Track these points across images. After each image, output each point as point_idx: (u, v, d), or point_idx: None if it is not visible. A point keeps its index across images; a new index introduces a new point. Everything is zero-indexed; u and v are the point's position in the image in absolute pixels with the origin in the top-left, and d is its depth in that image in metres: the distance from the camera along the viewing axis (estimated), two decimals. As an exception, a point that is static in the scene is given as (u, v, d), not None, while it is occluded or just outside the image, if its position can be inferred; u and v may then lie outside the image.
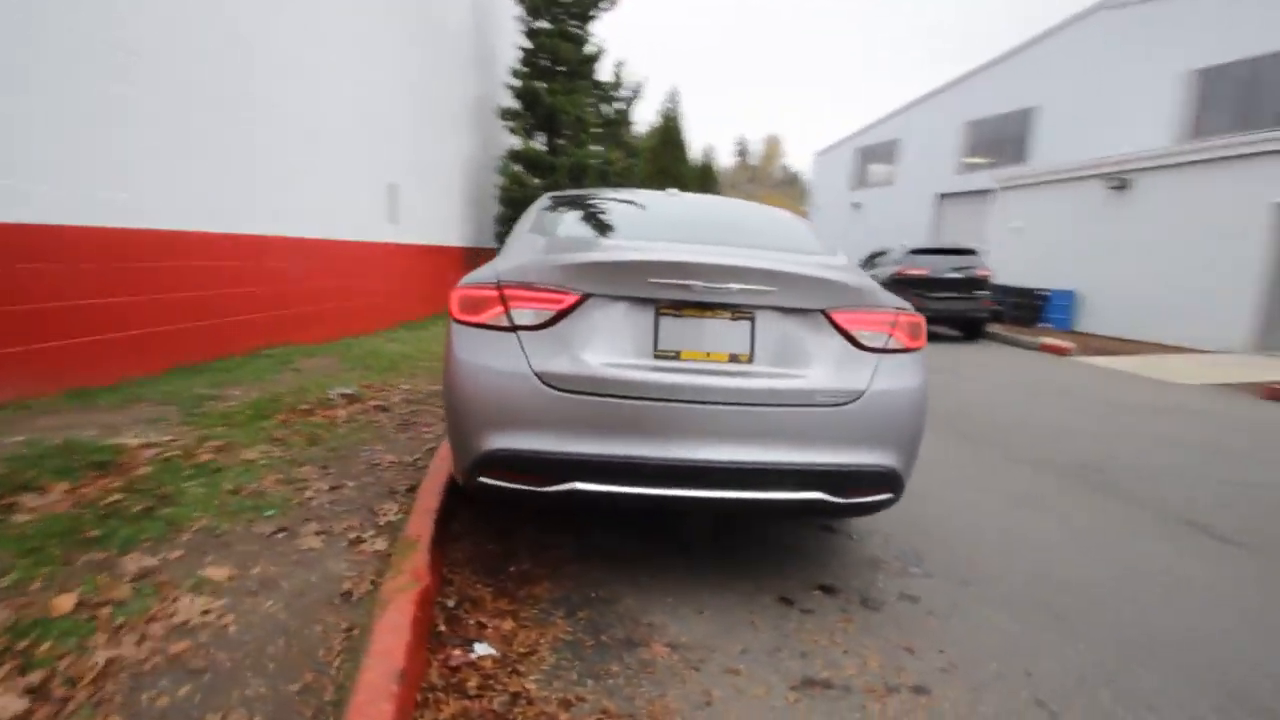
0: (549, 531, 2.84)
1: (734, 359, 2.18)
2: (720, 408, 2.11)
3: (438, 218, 9.31)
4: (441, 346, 6.99)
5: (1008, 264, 14.88)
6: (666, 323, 2.17)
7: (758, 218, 3.20)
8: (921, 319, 2.43)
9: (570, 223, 2.88)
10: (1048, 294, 13.98)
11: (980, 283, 11.29)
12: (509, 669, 1.88)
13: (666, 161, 27.52)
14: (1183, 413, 6.38)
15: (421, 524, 2.48)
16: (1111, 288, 13.09)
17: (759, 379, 2.16)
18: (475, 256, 10.70)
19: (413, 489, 3.02)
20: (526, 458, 2.11)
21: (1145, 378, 8.45)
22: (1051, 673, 2.04)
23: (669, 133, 28.54)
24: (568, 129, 10.24)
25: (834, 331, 2.23)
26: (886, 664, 2.04)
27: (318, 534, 2.51)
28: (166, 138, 4.80)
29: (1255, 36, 13.32)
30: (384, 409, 4.48)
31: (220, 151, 5.28)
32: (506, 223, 10.36)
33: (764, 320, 2.21)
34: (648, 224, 3.01)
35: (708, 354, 2.18)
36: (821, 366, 2.20)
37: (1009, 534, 3.18)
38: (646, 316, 2.17)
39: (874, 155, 25.31)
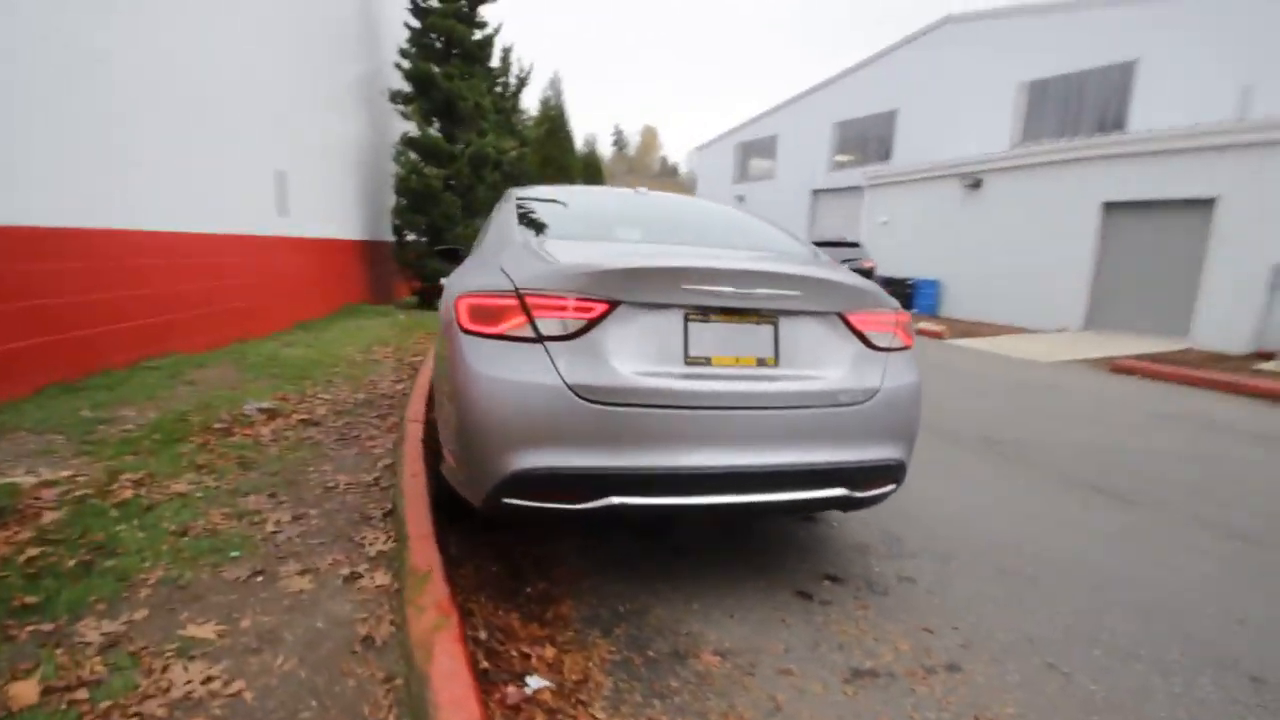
0: (544, 544, 2.73)
1: (761, 363, 2.20)
2: (753, 412, 2.13)
3: (329, 208, 8.54)
4: (352, 349, 6.50)
5: (878, 256, 16.19)
6: (695, 329, 2.14)
7: (739, 220, 3.24)
8: (909, 317, 2.59)
9: (563, 224, 2.75)
10: (915, 283, 15.39)
11: (866, 274, 12.20)
12: (571, 700, 1.79)
13: (553, 151, 27.12)
14: (1056, 389, 7.30)
15: (425, 552, 2.28)
16: (969, 276, 14.66)
17: (786, 382, 2.19)
18: (373, 251, 9.96)
19: (389, 513, 2.77)
20: (562, 475, 2.00)
21: (1010, 357, 9.56)
22: (1049, 636, 2.27)
23: (553, 122, 28.10)
24: (466, 116, 9.75)
25: (849, 333, 2.32)
26: (915, 647, 2.16)
27: (302, 573, 2.24)
28: None
29: (1077, 54, 15.39)
30: (313, 423, 4.07)
31: (61, 126, 4.46)
32: (405, 214, 9.72)
33: (786, 324, 2.24)
34: (641, 226, 2.95)
35: (737, 359, 2.18)
36: (840, 367, 2.28)
37: (956, 506, 3.48)
38: (675, 323, 2.13)
39: (754, 150, 26.46)
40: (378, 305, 9.96)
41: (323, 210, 8.29)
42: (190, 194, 5.61)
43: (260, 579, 2.19)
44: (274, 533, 2.53)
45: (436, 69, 9.46)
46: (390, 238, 10.14)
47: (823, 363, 2.26)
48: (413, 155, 9.35)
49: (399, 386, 5.23)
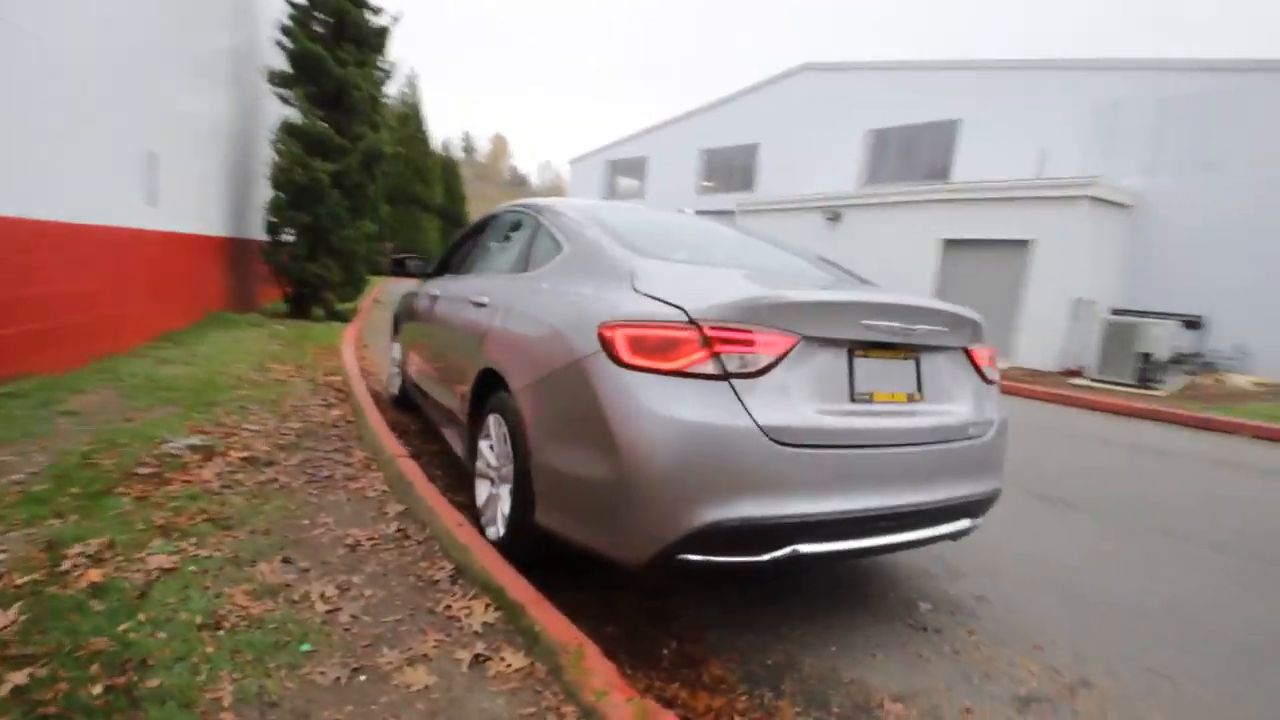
0: (634, 594, 2.47)
1: (910, 399, 2.18)
2: (911, 449, 2.09)
3: (199, 199, 7.20)
4: (243, 368, 5.52)
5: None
6: (860, 365, 2.07)
7: (794, 247, 3.22)
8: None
9: (654, 245, 2.52)
10: (785, 303, 16.54)
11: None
12: (808, 779, 1.61)
13: (411, 151, 25.48)
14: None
15: (554, 620, 1.94)
16: (830, 299, 16.07)
17: (930, 417, 2.19)
18: (237, 250, 8.56)
19: (460, 571, 2.35)
20: (755, 526, 1.81)
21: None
22: (1122, 646, 2.48)
23: (411, 121, 26.42)
24: (359, 107, 8.77)
25: (970, 367, 2.38)
26: (1041, 668, 2.24)
27: (410, 663, 1.81)
28: None
29: (913, 109, 17.61)
30: (262, 463, 3.36)
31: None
32: (284, 211, 8.46)
33: (926, 359, 2.25)
34: (729, 251, 2.84)
35: (892, 395, 2.13)
36: (967, 401, 2.33)
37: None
38: (842, 359, 2.04)
39: (624, 169, 26.93)
40: (243, 313, 8.60)
41: (192, 201, 6.97)
42: (35, 169, 4.40)
43: (364, 678, 1.73)
44: (331, 612, 2.02)
45: (326, 52, 8.43)
46: (259, 236, 8.80)
47: (955, 397, 2.30)
48: (295, 146, 8.21)
49: (334, 413, 4.52)
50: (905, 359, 2.19)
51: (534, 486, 2.22)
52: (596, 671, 1.75)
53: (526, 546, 2.34)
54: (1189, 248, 13.56)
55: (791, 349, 1.91)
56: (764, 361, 1.87)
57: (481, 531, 2.56)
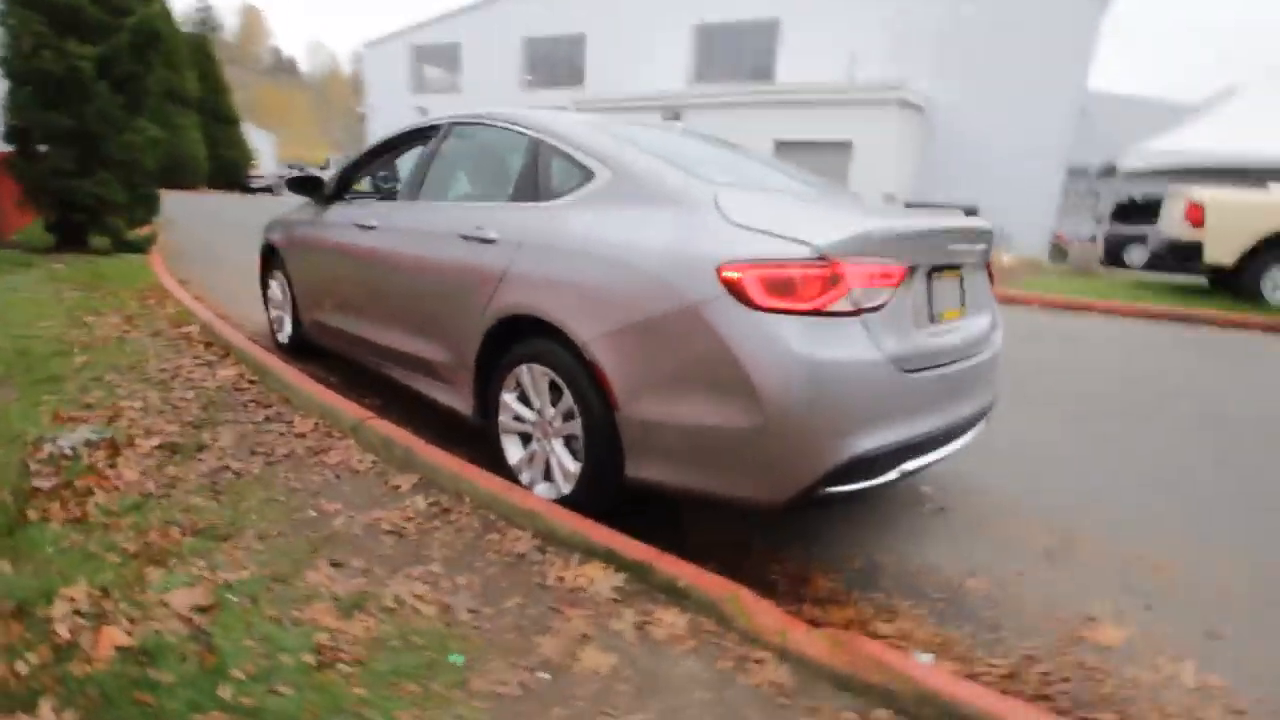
0: (688, 529, 2.49)
1: (960, 314, 2.35)
2: (969, 361, 2.28)
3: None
4: (52, 325, 4.32)
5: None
6: (935, 286, 2.16)
7: (776, 162, 3.16)
8: None
9: (701, 167, 2.33)
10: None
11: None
12: (967, 661, 1.81)
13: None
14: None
15: (697, 574, 1.91)
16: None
17: (974, 329, 2.38)
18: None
19: (546, 538, 2.16)
20: (886, 452, 1.89)
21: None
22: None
23: (141, -15, 20.86)
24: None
25: (987, 278, 2.60)
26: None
27: (579, 646, 1.68)
28: None
29: (735, 5, 17.68)
30: (188, 448, 2.75)
31: None
32: (32, 112, 6.31)
33: (966, 275, 2.41)
34: (751, 171, 2.71)
35: (953, 312, 2.28)
36: (989, 311, 2.56)
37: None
38: (924, 283, 2.11)
39: (433, 57, 23.94)
40: (-9, 250, 6.58)
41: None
42: None
43: (546, 675, 1.57)
44: (444, 610, 1.78)
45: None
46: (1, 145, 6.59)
47: (982, 308, 2.52)
48: (35, 19, 6.07)
49: (224, 373, 3.76)
50: (956, 277, 2.34)
51: (622, 440, 2.08)
52: (762, 612, 1.78)
53: (603, 501, 2.23)
54: (967, 146, 15.73)
55: (904, 278, 1.94)
56: (886, 293, 1.89)
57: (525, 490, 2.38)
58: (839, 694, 1.59)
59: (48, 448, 2.54)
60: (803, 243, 1.81)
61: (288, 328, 4.29)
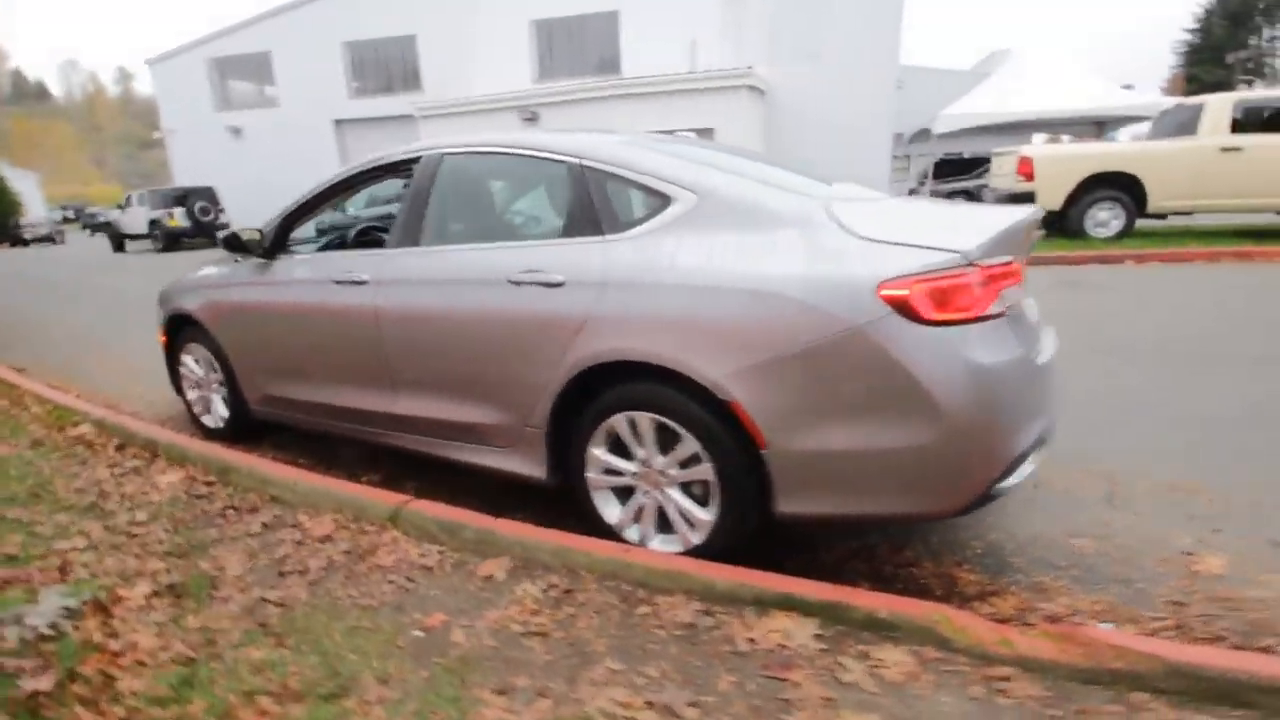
0: (779, 548, 2.45)
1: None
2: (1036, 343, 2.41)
3: None
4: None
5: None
6: (1013, 276, 2.25)
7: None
8: None
9: (762, 178, 2.25)
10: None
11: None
12: (1123, 618, 1.93)
13: None
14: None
15: (894, 602, 1.85)
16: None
17: (1032, 313, 2.51)
18: None
19: (705, 598, 1.99)
20: (1030, 447, 1.95)
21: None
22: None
23: None
24: None
25: None
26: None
27: (830, 710, 1.56)
28: None
29: (573, -1, 17.49)
30: (191, 588, 2.24)
31: None
32: None
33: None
34: (781, 174, 2.63)
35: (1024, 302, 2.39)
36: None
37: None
38: None
39: (239, 69, 21.26)
40: None
41: None
42: None
43: (830, 759, 1.44)
44: (671, 715, 1.58)
45: None
46: None
47: (1028, 293, 2.67)
48: None
49: (170, 479, 3.10)
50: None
51: (771, 477, 1.97)
52: (973, 625, 1.77)
53: (742, 545, 2.11)
54: (807, 124, 16.84)
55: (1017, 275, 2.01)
56: (1014, 290, 1.94)
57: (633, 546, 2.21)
58: (1090, 689, 1.61)
59: (11, 632, 1.92)
60: (952, 251, 1.80)
61: (220, 409, 3.63)
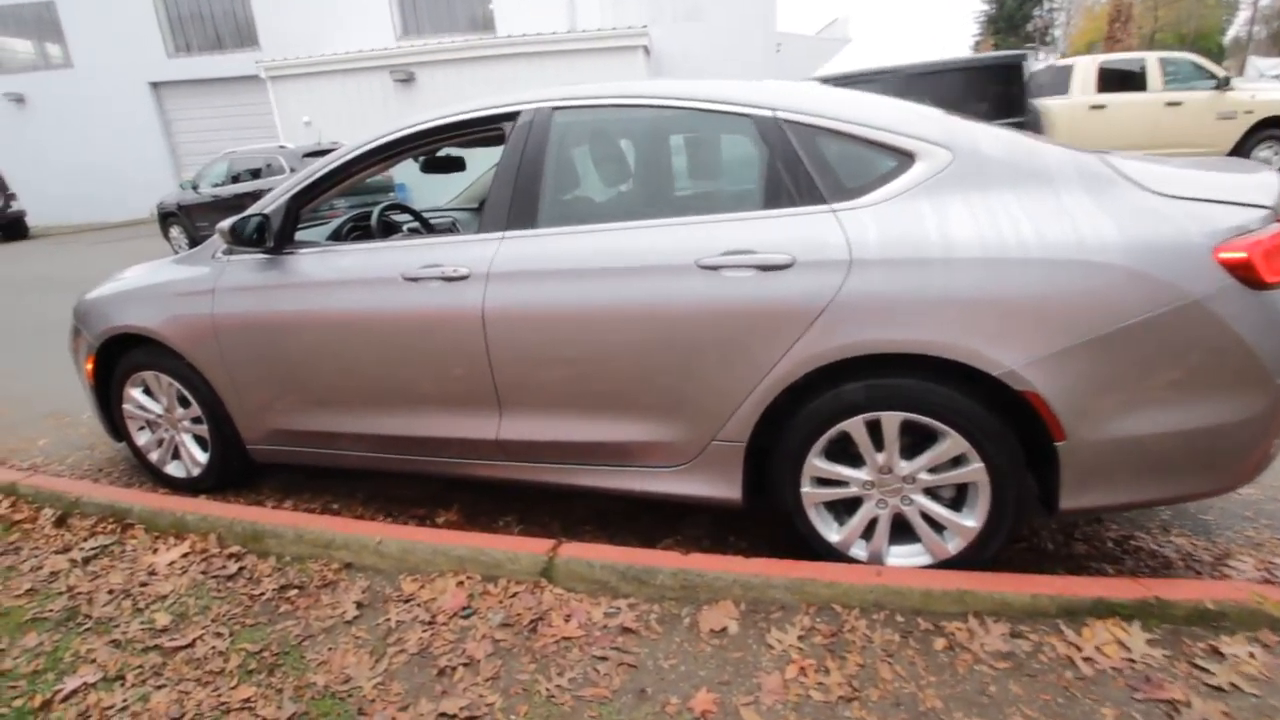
0: None
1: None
2: None
3: None
4: None
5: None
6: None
7: None
8: None
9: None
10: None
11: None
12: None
13: None
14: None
15: (1175, 588, 1.71)
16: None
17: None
18: None
19: (1041, 617, 1.73)
20: None
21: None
22: None
23: None
24: None
25: None
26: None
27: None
28: None
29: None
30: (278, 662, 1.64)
31: None
32: None
33: None
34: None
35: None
36: None
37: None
38: None
39: (14, 25, 17.01)
40: None
41: None
42: None
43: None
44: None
45: None
46: None
47: None
48: None
49: (165, 559, 2.32)
50: None
51: (1062, 472, 1.74)
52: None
53: (1002, 547, 1.88)
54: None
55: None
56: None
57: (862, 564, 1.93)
58: None
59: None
60: (1261, 206, 1.64)
61: (195, 453, 2.79)
